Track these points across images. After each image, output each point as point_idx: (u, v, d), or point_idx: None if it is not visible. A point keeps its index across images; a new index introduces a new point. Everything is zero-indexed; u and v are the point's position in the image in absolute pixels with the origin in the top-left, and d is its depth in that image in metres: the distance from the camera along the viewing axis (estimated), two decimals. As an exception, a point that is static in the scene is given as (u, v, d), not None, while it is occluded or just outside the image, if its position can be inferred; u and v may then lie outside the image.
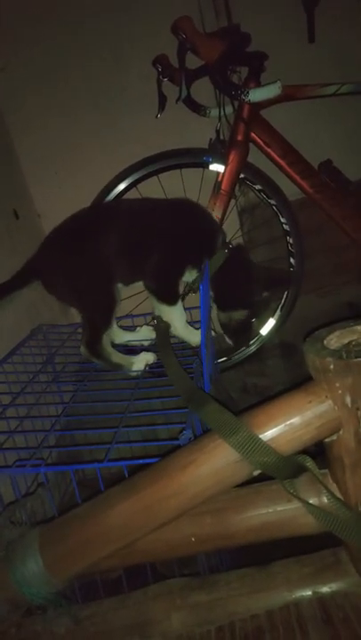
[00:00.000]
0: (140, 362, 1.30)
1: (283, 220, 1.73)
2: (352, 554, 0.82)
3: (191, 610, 0.85)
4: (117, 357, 1.31)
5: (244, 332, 1.45)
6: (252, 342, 1.84)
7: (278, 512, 0.80)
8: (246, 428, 0.72)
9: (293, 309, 1.81)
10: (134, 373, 1.28)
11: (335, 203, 1.67)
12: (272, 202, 1.72)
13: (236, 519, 0.82)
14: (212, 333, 1.43)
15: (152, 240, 1.31)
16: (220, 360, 1.83)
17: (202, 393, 0.98)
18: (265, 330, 1.83)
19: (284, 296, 1.80)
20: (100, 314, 1.30)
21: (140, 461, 0.87)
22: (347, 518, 0.73)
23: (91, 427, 1.14)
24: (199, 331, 1.32)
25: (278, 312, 1.81)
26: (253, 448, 0.71)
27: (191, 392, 0.97)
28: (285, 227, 1.73)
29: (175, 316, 1.33)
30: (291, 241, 1.74)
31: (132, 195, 1.69)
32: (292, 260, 1.76)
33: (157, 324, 1.34)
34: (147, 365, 1.30)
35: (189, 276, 1.35)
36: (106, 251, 1.29)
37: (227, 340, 1.43)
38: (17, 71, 1.80)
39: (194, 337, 1.34)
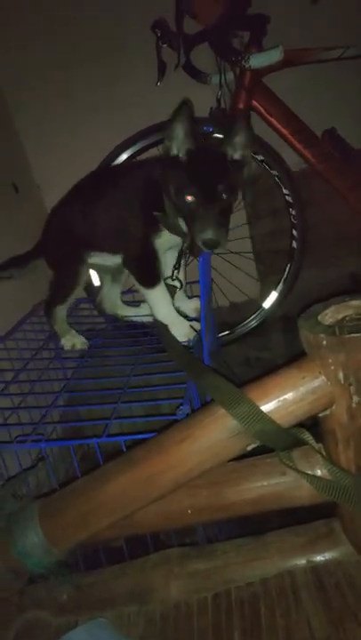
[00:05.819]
0: (69, 342, 1.33)
1: (285, 191, 1.69)
2: (345, 524, 0.84)
3: (189, 578, 0.88)
4: (61, 328, 1.35)
5: None
6: (254, 316, 1.84)
7: (273, 485, 0.82)
8: (248, 399, 0.73)
9: (296, 282, 1.80)
10: (66, 348, 1.33)
11: (339, 173, 1.64)
12: (274, 173, 1.68)
13: (231, 492, 0.83)
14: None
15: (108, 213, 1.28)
16: (222, 334, 1.84)
17: (202, 365, 0.98)
18: (267, 303, 1.82)
19: (287, 269, 1.79)
20: (59, 283, 1.34)
21: (138, 436, 0.88)
22: (349, 485, 0.73)
23: (93, 402, 1.15)
24: (187, 322, 1.25)
25: (281, 285, 1.80)
26: (255, 419, 0.72)
27: (191, 366, 0.97)
28: (288, 198, 1.70)
29: (155, 301, 1.22)
30: (293, 213, 1.71)
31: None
32: (294, 231, 1.74)
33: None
34: (77, 346, 1.33)
35: (163, 242, 1.21)
36: (70, 220, 1.32)
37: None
38: (13, 40, 1.75)
39: (178, 328, 1.21)
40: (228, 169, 1.09)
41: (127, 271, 1.32)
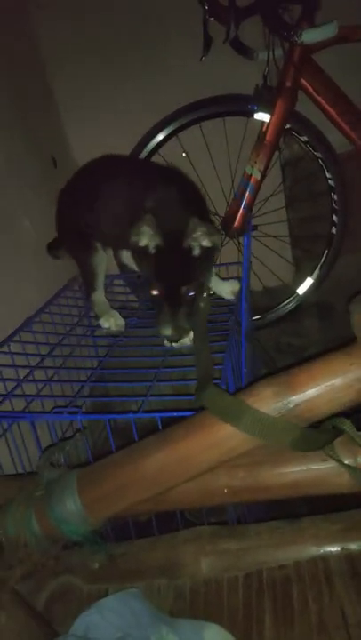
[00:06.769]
0: (107, 322, 1.29)
1: (328, 175, 1.66)
2: (383, 515, 0.83)
3: (220, 556, 0.89)
4: (100, 309, 1.31)
5: None
6: (288, 301, 1.82)
7: (312, 470, 0.81)
8: (253, 410, 0.70)
9: (332, 269, 1.77)
10: (104, 327, 1.29)
11: (386, 157, 1.59)
12: (318, 155, 1.64)
13: (269, 474, 0.83)
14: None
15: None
16: (253, 318, 1.82)
17: (209, 378, 0.91)
18: (302, 289, 1.79)
19: (324, 255, 1.75)
20: (84, 275, 1.34)
21: (174, 414, 0.88)
22: None
23: (127, 380, 1.15)
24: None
25: (317, 271, 1.77)
26: (269, 428, 0.70)
27: (204, 375, 0.93)
28: (330, 182, 1.66)
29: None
30: (335, 197, 1.67)
31: (172, 144, 1.64)
32: (334, 217, 1.70)
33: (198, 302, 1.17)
34: (112, 328, 1.29)
35: None
36: (78, 210, 1.31)
37: None
38: (57, 12, 1.73)
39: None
40: (192, 267, 1.07)
41: None
